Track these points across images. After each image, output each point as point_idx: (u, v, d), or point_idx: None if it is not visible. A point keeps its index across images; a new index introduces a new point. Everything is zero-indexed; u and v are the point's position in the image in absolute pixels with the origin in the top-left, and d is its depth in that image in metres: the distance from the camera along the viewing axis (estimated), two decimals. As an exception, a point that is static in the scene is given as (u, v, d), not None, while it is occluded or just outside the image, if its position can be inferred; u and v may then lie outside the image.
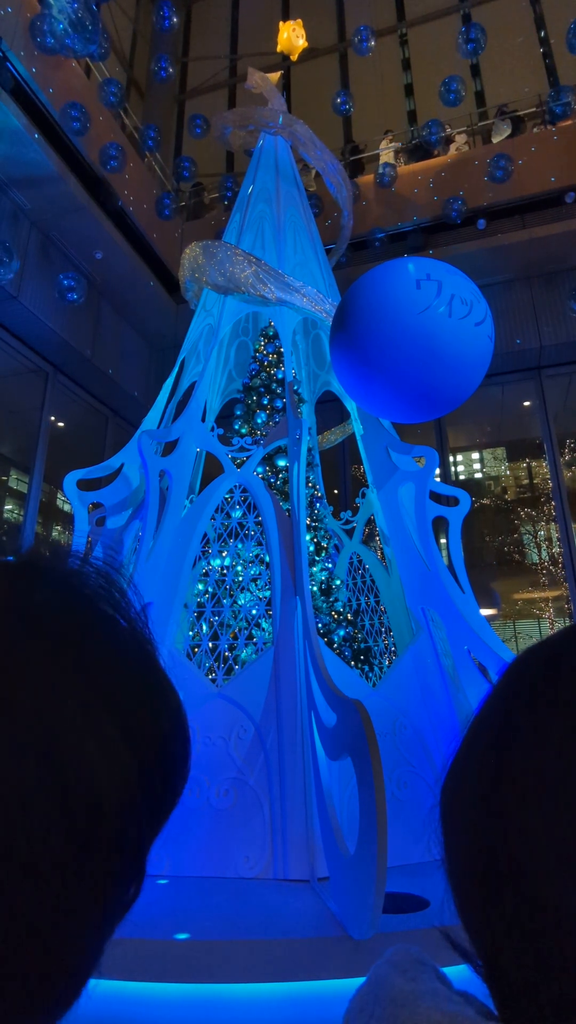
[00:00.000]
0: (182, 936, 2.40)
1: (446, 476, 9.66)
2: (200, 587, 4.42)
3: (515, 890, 0.37)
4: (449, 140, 9.70)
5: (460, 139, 9.77)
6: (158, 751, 0.40)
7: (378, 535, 5.06)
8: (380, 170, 8.96)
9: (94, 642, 0.40)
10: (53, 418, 8.84)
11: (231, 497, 4.38)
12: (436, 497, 4.51)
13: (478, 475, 12.73)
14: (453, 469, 10.68)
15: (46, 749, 0.34)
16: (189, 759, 0.44)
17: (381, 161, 9.97)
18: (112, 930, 0.38)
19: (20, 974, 0.32)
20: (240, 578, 4.31)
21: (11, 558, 0.43)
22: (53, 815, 0.33)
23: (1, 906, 0.31)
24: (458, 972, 0.44)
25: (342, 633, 4.50)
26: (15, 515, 9.80)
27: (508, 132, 9.33)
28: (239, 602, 4.24)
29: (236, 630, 4.13)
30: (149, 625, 0.44)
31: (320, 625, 4.42)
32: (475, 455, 12.64)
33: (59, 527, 10.24)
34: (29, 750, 0.33)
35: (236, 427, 5.18)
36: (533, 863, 0.37)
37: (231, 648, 4.07)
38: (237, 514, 4.35)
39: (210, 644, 4.02)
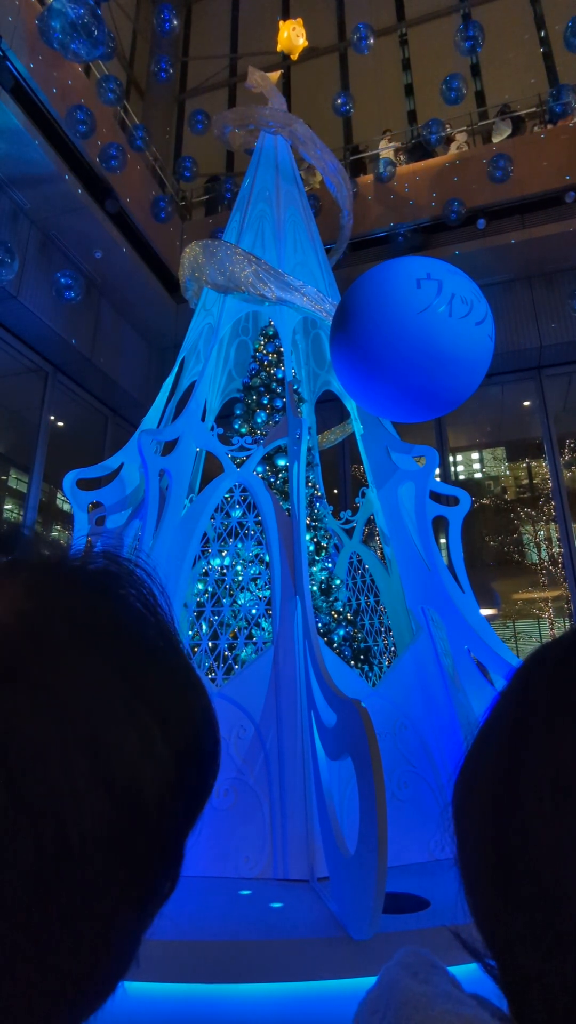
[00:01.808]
0: (181, 936, 2.40)
1: (446, 476, 9.66)
2: (200, 586, 4.42)
3: (531, 888, 0.38)
4: (449, 140, 9.70)
5: (460, 139, 9.77)
6: (192, 744, 0.41)
7: (378, 535, 5.05)
8: (380, 167, 8.96)
9: (130, 640, 0.41)
10: (53, 418, 8.84)
11: (231, 497, 4.38)
12: (436, 497, 4.50)
13: (478, 475, 12.73)
14: (453, 469, 10.68)
15: (93, 743, 0.35)
16: (219, 752, 0.45)
17: (381, 158, 9.97)
18: (150, 922, 0.40)
19: (68, 961, 0.34)
20: (240, 578, 4.30)
21: (9, 557, 0.43)
22: (101, 806, 0.35)
23: (58, 897, 0.33)
24: (463, 972, 0.44)
25: (342, 633, 4.50)
26: (15, 515, 9.79)
27: (508, 132, 9.33)
28: (239, 601, 4.23)
29: (236, 629, 4.12)
30: (175, 623, 0.46)
31: (320, 625, 4.42)
32: (475, 455, 12.65)
33: (59, 527, 10.23)
34: (78, 744, 0.35)
35: (236, 427, 5.18)
36: (550, 862, 0.37)
37: (231, 648, 4.07)
38: (237, 514, 4.35)
39: (210, 643, 4.02)
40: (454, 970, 0.46)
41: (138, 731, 0.37)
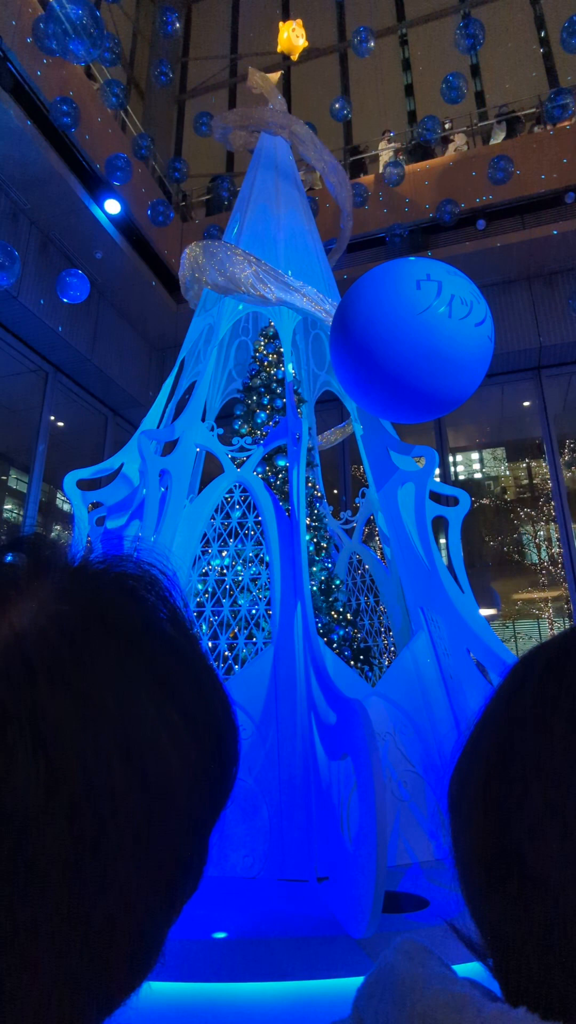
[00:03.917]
0: (182, 936, 2.40)
1: (446, 476, 9.67)
2: (200, 587, 4.42)
3: (522, 880, 0.39)
4: (448, 140, 9.71)
5: (459, 139, 9.78)
6: (216, 743, 0.43)
7: (378, 535, 5.06)
8: (387, 169, 8.93)
9: (158, 641, 0.42)
10: (53, 418, 8.85)
11: (231, 497, 4.38)
12: (436, 497, 4.51)
13: (478, 475, 12.73)
14: (453, 469, 10.68)
15: (127, 742, 0.36)
16: (239, 751, 0.47)
17: (381, 161, 9.96)
18: (176, 916, 0.41)
19: (103, 953, 0.35)
20: (240, 578, 4.31)
21: (10, 557, 0.44)
22: (135, 803, 0.36)
23: (94, 890, 0.34)
24: (461, 971, 0.45)
25: (342, 633, 4.51)
26: (15, 515, 9.80)
27: (503, 135, 9.35)
28: (239, 602, 4.24)
29: (236, 630, 4.13)
30: (195, 625, 0.47)
31: (320, 625, 4.42)
32: (475, 455, 12.65)
33: (59, 527, 10.24)
34: (114, 744, 0.36)
35: (236, 427, 5.18)
36: (540, 855, 0.39)
37: (231, 648, 4.07)
38: (237, 514, 4.36)
39: (210, 644, 4.03)
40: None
41: (168, 730, 0.39)
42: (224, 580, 4.27)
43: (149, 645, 0.41)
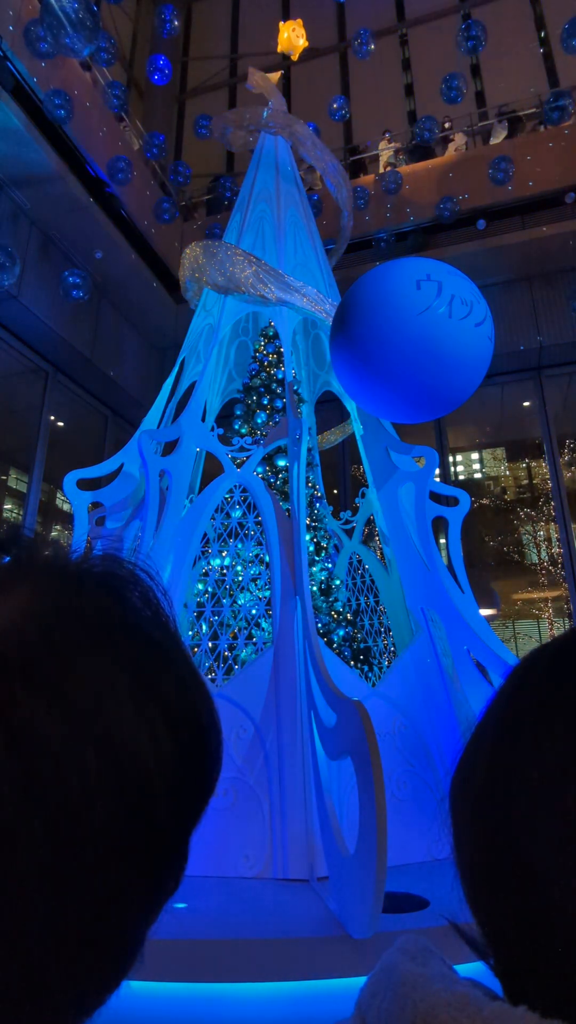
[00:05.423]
0: (180, 935, 2.40)
1: (446, 476, 9.67)
2: (200, 587, 4.42)
3: (522, 880, 0.40)
4: (447, 140, 9.71)
5: (459, 139, 9.78)
6: (197, 743, 0.43)
7: (378, 535, 5.06)
8: (385, 176, 8.93)
9: (138, 640, 0.42)
10: (53, 418, 8.84)
11: (231, 497, 4.38)
12: (436, 497, 4.51)
13: (477, 475, 12.73)
14: (453, 469, 10.68)
15: (104, 741, 0.36)
16: (222, 751, 0.46)
17: (382, 161, 9.96)
18: (155, 917, 0.41)
19: (79, 955, 0.35)
20: (240, 578, 4.31)
21: (8, 558, 0.44)
22: (112, 803, 0.36)
23: (71, 890, 0.34)
24: (461, 971, 0.45)
25: (342, 633, 4.51)
26: (15, 514, 9.80)
27: (504, 135, 9.35)
28: (239, 602, 4.24)
29: (236, 630, 4.13)
30: (177, 624, 0.47)
31: (320, 625, 4.42)
32: (475, 455, 12.65)
33: (59, 527, 10.24)
34: (90, 742, 0.36)
35: (236, 427, 5.18)
36: (539, 854, 0.39)
37: (231, 648, 4.07)
38: (237, 514, 4.36)
39: (210, 644, 4.03)
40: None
41: (148, 730, 0.38)
42: (224, 580, 4.27)
43: (129, 644, 0.41)
